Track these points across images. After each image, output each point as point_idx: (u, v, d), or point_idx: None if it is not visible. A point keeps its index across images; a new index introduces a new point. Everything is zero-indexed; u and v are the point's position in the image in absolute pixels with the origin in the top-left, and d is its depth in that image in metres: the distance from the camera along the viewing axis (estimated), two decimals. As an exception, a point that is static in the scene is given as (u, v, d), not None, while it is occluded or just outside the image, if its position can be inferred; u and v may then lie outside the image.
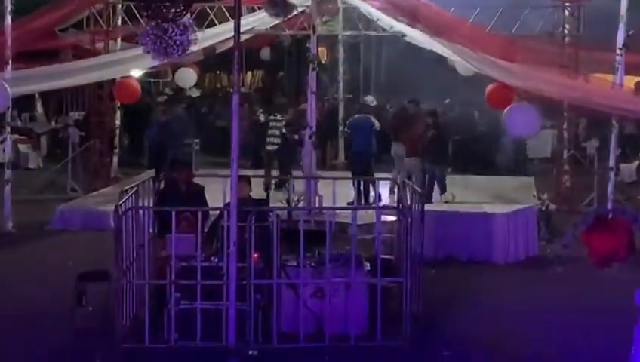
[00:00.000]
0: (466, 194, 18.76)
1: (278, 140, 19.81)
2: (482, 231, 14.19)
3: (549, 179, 20.22)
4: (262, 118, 20.93)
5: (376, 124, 18.94)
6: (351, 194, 17.07)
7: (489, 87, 17.71)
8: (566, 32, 18.70)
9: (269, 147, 19.91)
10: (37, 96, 27.80)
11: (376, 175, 18.76)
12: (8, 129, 16.82)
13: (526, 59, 15.81)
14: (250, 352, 9.19)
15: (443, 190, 18.12)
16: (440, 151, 18.26)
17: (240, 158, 9.30)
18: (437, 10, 16.52)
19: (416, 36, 18.05)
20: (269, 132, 19.91)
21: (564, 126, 19.58)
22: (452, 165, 19.72)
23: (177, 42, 9.11)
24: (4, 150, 17.14)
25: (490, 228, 14.24)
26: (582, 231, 13.92)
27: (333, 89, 26.97)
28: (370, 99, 24.19)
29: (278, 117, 20.17)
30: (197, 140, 21.77)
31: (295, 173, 18.89)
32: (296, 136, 19.21)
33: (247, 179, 11.59)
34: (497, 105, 17.87)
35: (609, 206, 15.97)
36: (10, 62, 15.94)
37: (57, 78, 17.57)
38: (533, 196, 17.69)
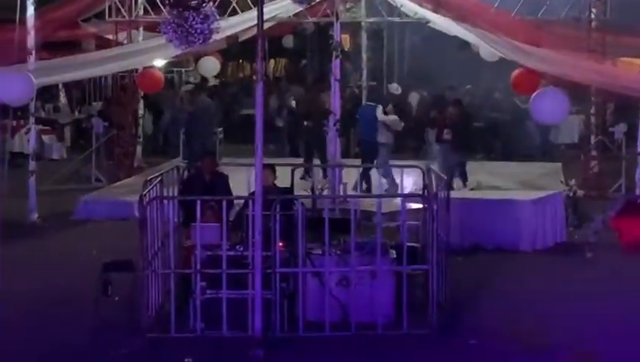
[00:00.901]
0: (492, 181, 18.63)
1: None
2: (509, 218, 14.06)
3: (576, 165, 20.04)
4: (292, 104, 20.75)
5: (378, 113, 18.50)
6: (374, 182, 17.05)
7: (515, 73, 17.55)
8: (592, 16, 18.50)
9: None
10: (60, 86, 27.85)
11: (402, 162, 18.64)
12: (33, 120, 16.84)
13: (552, 44, 15.64)
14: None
15: (463, 180, 17.98)
16: (460, 141, 18.05)
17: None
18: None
19: (441, 22, 17.92)
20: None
21: (592, 111, 19.36)
22: (478, 151, 19.55)
23: (198, 30, 9.05)
24: (28, 141, 17.13)
25: (516, 215, 14.12)
26: (611, 217, 13.89)
27: (357, 76, 26.85)
28: (395, 87, 24.02)
29: None
30: (220, 129, 21.72)
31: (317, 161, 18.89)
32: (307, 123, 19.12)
33: (271, 168, 11.54)
34: (523, 90, 17.72)
35: (638, 191, 15.82)
36: (33, 52, 15.93)
37: (80, 68, 17.52)
38: (561, 182, 17.51)
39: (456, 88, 20.64)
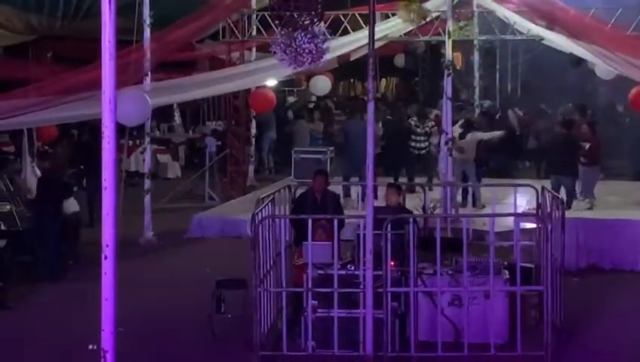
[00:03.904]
0: (610, 200, 18.18)
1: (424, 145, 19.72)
2: (627, 238, 13.74)
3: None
4: (412, 123, 20.58)
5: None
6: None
7: (633, 90, 17.15)
8: None
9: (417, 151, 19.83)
10: (175, 106, 28.39)
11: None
12: (148, 139, 17.19)
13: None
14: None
15: (569, 203, 17.48)
16: (566, 162, 17.55)
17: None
18: (574, 13, 16.11)
19: (555, 39, 17.65)
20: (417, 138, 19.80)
21: None
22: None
23: (307, 50, 9.11)
24: (144, 160, 17.49)
25: (634, 235, 13.77)
26: None
27: (469, 95, 26.68)
28: (488, 105, 23.81)
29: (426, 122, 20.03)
30: (332, 148, 21.79)
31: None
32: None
33: (397, 187, 11.59)
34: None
35: None
36: (149, 74, 16.28)
37: (194, 88, 17.83)
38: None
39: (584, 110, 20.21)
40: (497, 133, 18.40)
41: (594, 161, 17.18)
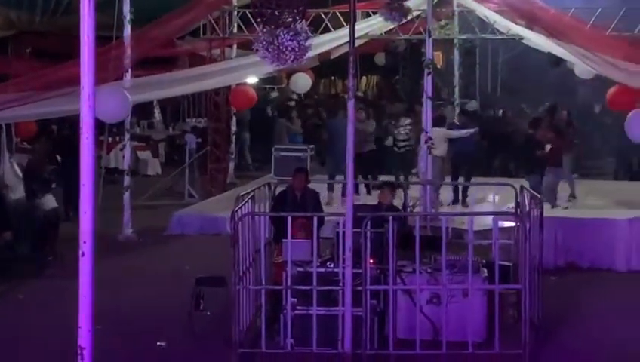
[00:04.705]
0: (588, 200, 18.28)
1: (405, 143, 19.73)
2: (605, 237, 13.82)
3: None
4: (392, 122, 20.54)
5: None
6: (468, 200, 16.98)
7: (611, 90, 17.24)
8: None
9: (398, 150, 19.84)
10: (155, 103, 28.33)
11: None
12: (128, 136, 17.13)
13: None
14: None
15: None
16: (529, 162, 17.71)
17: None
18: (554, 13, 16.18)
19: (535, 39, 17.72)
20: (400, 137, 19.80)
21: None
22: (574, 171, 19.13)
23: (289, 48, 9.08)
24: (123, 157, 17.44)
25: (612, 234, 13.86)
26: None
27: (449, 93, 26.76)
28: (471, 105, 23.85)
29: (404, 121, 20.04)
30: (312, 146, 21.79)
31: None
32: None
33: (391, 186, 11.63)
34: (620, 108, 17.36)
35: None
36: (129, 70, 16.23)
37: (175, 85, 17.78)
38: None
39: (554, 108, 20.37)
40: (470, 131, 18.42)
41: (554, 162, 17.22)
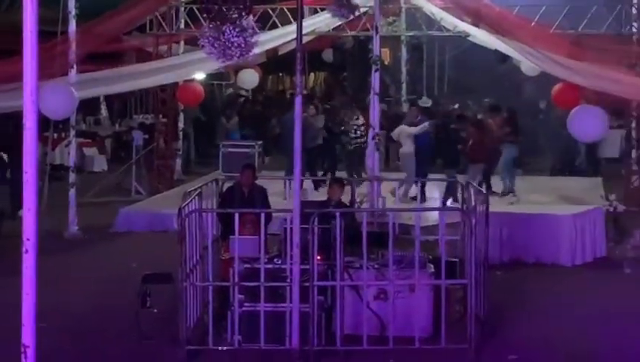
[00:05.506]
0: (532, 196, 18.48)
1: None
2: (548, 232, 13.97)
3: (617, 179, 19.83)
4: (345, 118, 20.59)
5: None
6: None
7: (555, 87, 17.45)
8: (634, 30, 18.36)
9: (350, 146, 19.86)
10: (101, 99, 28.08)
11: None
12: (73, 132, 16.97)
13: (593, 59, 15.52)
14: None
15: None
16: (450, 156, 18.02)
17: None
18: (500, 10, 16.35)
19: (481, 36, 17.87)
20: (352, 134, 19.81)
21: (633, 125, 19.19)
22: (519, 166, 19.36)
23: (235, 44, 9.06)
24: (69, 153, 17.27)
25: (556, 230, 14.02)
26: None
27: (396, 90, 26.89)
28: (424, 101, 23.98)
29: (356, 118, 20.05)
30: (259, 142, 21.76)
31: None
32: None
33: (340, 182, 11.65)
34: (564, 105, 17.57)
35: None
36: (75, 66, 16.07)
37: (121, 81, 17.64)
38: (601, 197, 17.37)
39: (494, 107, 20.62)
40: (425, 125, 18.52)
41: (474, 159, 17.40)
